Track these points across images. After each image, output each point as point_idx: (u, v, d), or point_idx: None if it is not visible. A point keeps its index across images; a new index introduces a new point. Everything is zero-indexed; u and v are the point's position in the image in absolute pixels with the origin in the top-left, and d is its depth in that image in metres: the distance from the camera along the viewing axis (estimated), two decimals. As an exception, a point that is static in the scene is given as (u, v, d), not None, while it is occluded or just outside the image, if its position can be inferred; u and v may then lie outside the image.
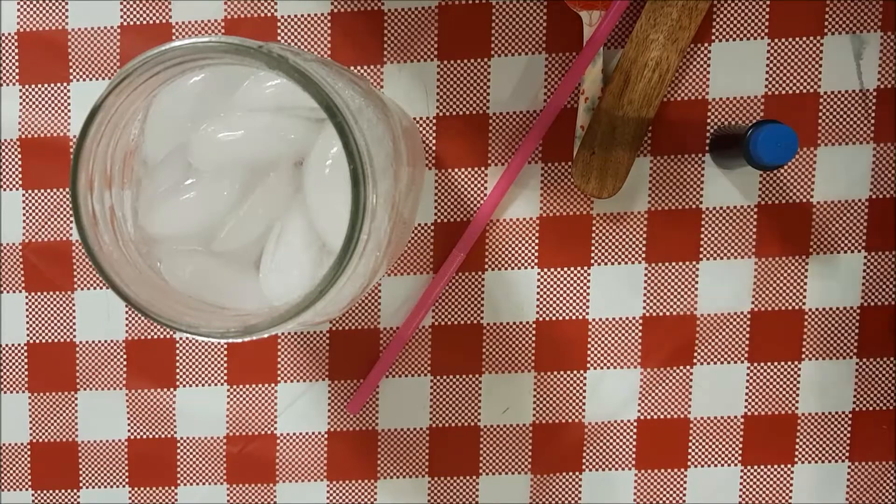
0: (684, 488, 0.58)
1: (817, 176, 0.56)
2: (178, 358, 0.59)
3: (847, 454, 0.57)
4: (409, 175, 0.47)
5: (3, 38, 0.58)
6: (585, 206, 0.57)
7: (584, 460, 0.58)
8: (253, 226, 0.45)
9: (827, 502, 0.58)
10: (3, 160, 0.58)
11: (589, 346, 0.57)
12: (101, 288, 0.58)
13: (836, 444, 0.57)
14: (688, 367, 0.57)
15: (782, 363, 0.57)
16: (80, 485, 0.60)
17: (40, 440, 0.60)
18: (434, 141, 0.57)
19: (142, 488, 0.60)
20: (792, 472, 0.58)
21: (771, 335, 0.57)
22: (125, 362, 0.59)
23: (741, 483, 0.58)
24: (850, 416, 0.57)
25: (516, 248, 0.57)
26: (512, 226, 0.57)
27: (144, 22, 0.57)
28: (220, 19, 0.57)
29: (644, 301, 0.57)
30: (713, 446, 0.58)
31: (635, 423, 0.58)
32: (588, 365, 0.57)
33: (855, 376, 0.57)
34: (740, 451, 0.58)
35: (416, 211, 0.54)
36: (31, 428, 0.60)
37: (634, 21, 0.55)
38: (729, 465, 0.58)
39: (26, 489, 0.60)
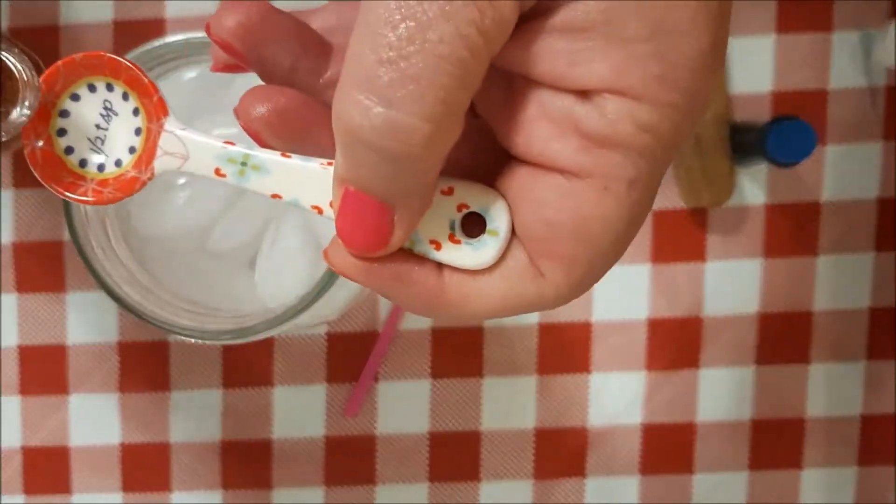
0: (690, 494, 0.57)
1: (826, 174, 0.55)
2: (171, 360, 0.58)
3: (856, 458, 0.57)
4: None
5: (-6, 33, 0.57)
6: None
7: (587, 465, 0.58)
8: (248, 225, 0.45)
9: (835, 508, 0.57)
10: (-6, 158, 0.58)
11: (592, 348, 0.57)
12: (93, 289, 0.58)
13: (845, 448, 0.57)
14: (693, 370, 0.57)
15: (790, 366, 0.56)
16: (73, 489, 0.60)
17: (32, 444, 0.60)
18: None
19: (135, 493, 0.59)
20: (800, 477, 0.57)
21: (778, 337, 0.56)
22: (118, 365, 0.59)
23: (749, 488, 0.57)
24: (858, 419, 0.57)
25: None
26: (513, 225, 0.56)
27: (138, 17, 0.57)
28: (215, 14, 0.56)
29: (649, 303, 0.56)
30: (720, 451, 0.57)
31: (640, 428, 0.57)
32: (591, 368, 0.57)
33: (864, 379, 0.56)
34: (748, 456, 0.57)
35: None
36: (22, 431, 0.60)
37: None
38: (736, 469, 0.57)
39: (18, 494, 0.60)
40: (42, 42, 0.57)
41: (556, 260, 0.25)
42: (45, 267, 0.58)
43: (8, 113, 0.27)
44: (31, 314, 0.59)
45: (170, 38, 0.40)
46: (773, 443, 0.57)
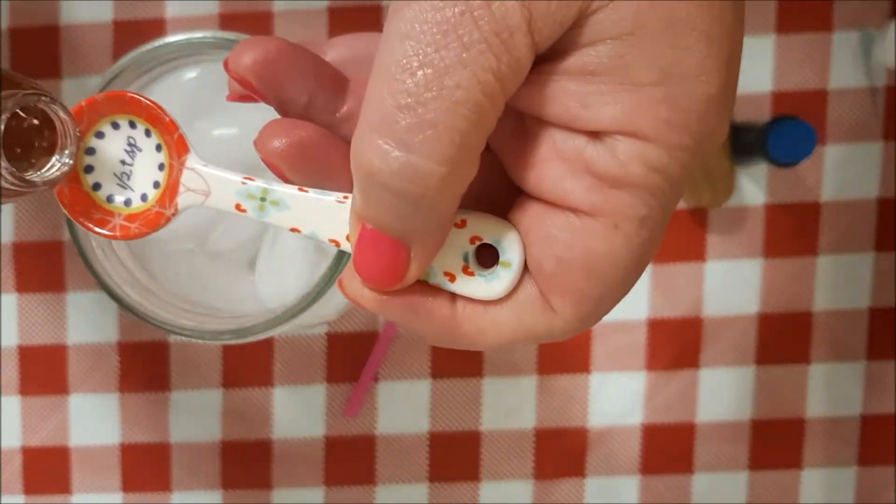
0: (690, 494, 0.57)
1: (825, 174, 0.55)
2: (171, 360, 0.58)
3: (856, 458, 0.57)
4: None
5: (-6, 33, 0.57)
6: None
7: (587, 465, 0.57)
8: (248, 226, 0.45)
9: (835, 508, 0.57)
10: (-6, 158, 0.58)
11: (592, 348, 0.57)
12: (92, 289, 0.58)
13: (845, 448, 0.57)
14: (693, 370, 0.57)
15: (790, 366, 0.56)
16: (73, 489, 0.59)
17: (32, 444, 0.59)
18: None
19: (135, 493, 0.59)
20: (800, 477, 0.57)
21: (778, 337, 0.56)
22: (118, 365, 0.58)
23: (748, 488, 0.57)
24: (858, 419, 0.56)
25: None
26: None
27: (138, 17, 0.56)
28: (215, 14, 0.56)
29: (649, 303, 0.56)
30: (720, 451, 0.57)
31: (640, 428, 0.57)
32: (591, 368, 0.57)
33: (864, 379, 0.56)
34: (747, 456, 0.57)
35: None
36: (22, 431, 0.59)
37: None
38: (736, 469, 0.57)
39: (18, 494, 0.60)
40: (42, 42, 0.57)
41: (567, 296, 0.25)
42: (45, 267, 0.58)
43: (48, 162, 0.28)
44: (31, 314, 0.58)
45: (170, 38, 0.40)
46: (773, 443, 0.57)
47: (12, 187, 0.27)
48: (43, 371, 0.59)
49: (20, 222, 0.58)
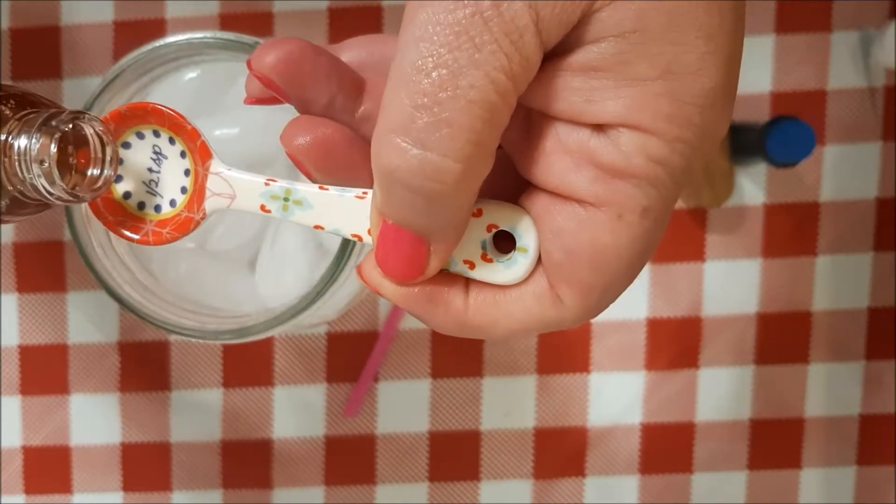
0: (690, 494, 0.57)
1: (824, 174, 0.55)
2: (171, 360, 0.58)
3: (855, 458, 0.57)
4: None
5: (-6, 33, 0.57)
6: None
7: (587, 465, 0.57)
8: (248, 225, 0.45)
9: (834, 507, 0.57)
10: (-6, 158, 0.58)
11: (592, 348, 0.57)
12: (93, 289, 0.58)
13: (844, 448, 0.57)
14: (693, 369, 0.56)
15: (789, 366, 0.56)
16: (73, 489, 0.59)
17: (32, 444, 0.59)
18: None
19: (135, 493, 0.59)
20: (799, 477, 0.57)
21: (778, 337, 0.56)
22: (118, 365, 0.58)
23: (748, 488, 0.57)
24: (857, 419, 0.56)
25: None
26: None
27: (138, 17, 0.56)
28: (215, 14, 0.56)
29: (648, 302, 0.56)
30: (719, 450, 0.57)
31: (640, 427, 0.57)
32: (591, 368, 0.57)
33: (863, 379, 0.56)
34: (747, 455, 0.57)
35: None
36: (23, 431, 0.59)
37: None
38: (735, 469, 0.57)
39: (18, 493, 0.60)
40: (42, 42, 0.57)
41: (574, 286, 0.26)
42: (45, 267, 0.58)
43: (82, 176, 0.29)
44: (31, 314, 0.58)
45: (170, 38, 0.40)
46: (773, 442, 0.57)
47: (58, 202, 0.28)
48: (43, 371, 0.59)
49: (21, 223, 0.58)
